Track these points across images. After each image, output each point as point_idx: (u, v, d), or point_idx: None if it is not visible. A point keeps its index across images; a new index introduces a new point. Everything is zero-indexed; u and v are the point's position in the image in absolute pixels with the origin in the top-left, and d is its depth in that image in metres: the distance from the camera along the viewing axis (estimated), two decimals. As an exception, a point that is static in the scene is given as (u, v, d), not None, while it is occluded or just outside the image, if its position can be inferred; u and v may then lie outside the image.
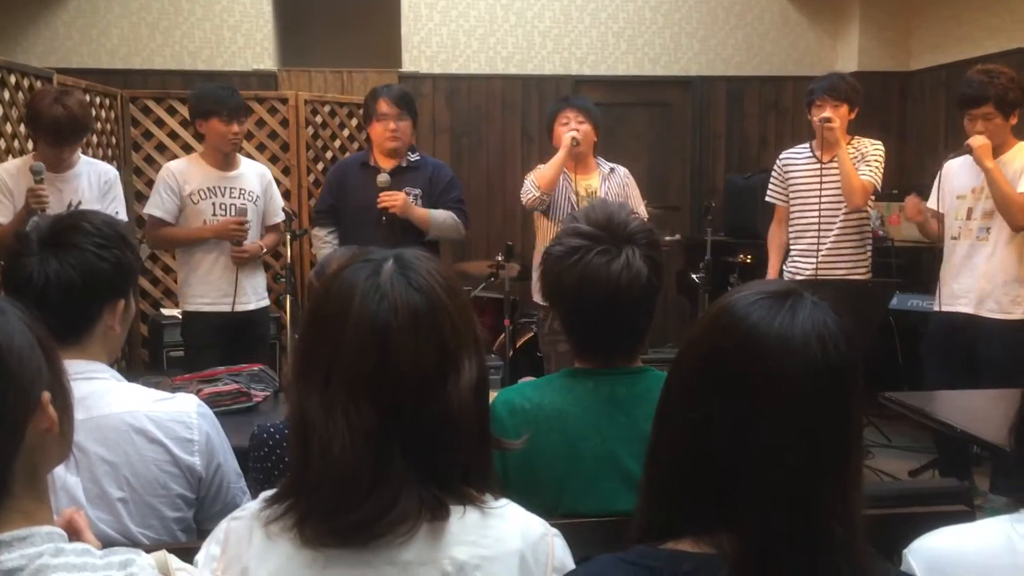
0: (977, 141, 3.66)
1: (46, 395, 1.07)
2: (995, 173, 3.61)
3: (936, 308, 3.97)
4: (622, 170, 4.29)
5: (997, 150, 3.69)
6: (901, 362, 4.85)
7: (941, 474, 4.07)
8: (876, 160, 4.06)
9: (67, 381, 1.13)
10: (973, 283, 3.78)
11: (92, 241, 1.62)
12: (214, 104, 3.79)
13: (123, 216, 3.82)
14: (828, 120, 3.98)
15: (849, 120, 4.10)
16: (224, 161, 3.89)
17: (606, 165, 4.27)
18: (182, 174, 3.87)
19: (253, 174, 4.00)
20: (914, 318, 4.94)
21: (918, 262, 5.47)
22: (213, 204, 3.86)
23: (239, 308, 3.91)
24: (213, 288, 3.90)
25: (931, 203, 4.02)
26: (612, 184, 4.22)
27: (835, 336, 1.02)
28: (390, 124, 3.89)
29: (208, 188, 3.85)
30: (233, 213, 3.86)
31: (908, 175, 6.46)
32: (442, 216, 3.95)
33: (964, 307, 3.82)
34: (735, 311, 1.05)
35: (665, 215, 5.82)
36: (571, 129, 4.09)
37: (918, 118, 6.69)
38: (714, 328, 1.07)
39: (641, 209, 4.27)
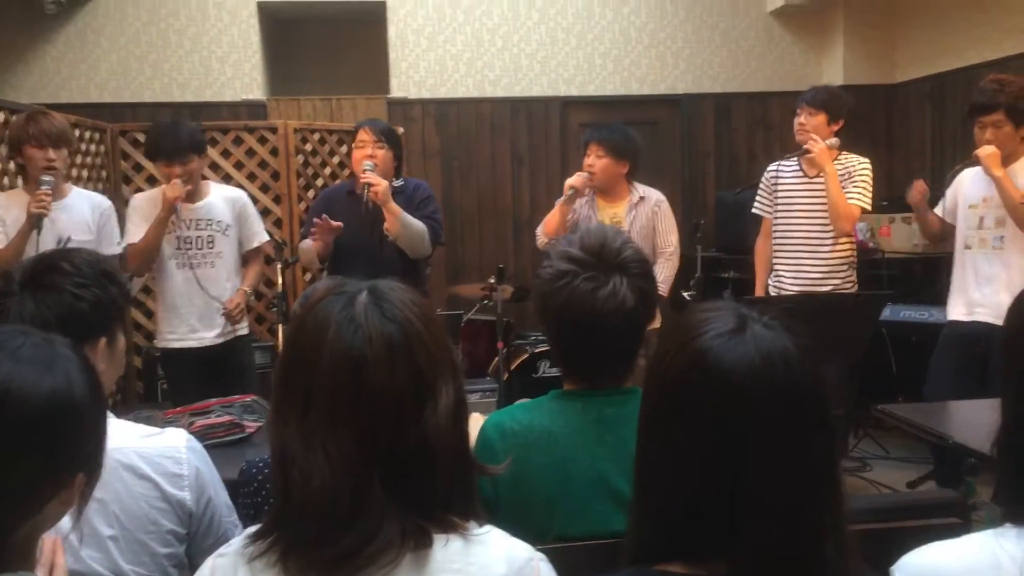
0: (985, 151, 3.64)
1: (80, 478, 1.09)
2: (1004, 182, 3.59)
3: (949, 318, 3.93)
4: (654, 198, 4.20)
5: (1007, 159, 3.66)
6: (896, 373, 4.86)
7: (938, 484, 4.06)
8: (864, 180, 4.04)
9: (103, 454, 1.16)
10: (994, 295, 3.71)
11: (71, 281, 1.62)
12: (154, 148, 3.78)
13: (119, 246, 3.82)
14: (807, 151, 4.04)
15: (833, 131, 4.09)
16: (186, 194, 3.78)
17: (637, 193, 4.19)
18: (152, 205, 3.82)
19: (222, 202, 3.93)
20: (907, 329, 4.95)
21: (910, 273, 5.48)
22: (178, 239, 3.82)
23: (211, 343, 3.88)
24: (182, 323, 3.88)
25: (938, 210, 4.02)
26: (639, 214, 4.15)
27: (793, 356, 1.03)
28: (367, 150, 3.84)
29: (171, 221, 3.78)
30: (199, 246, 3.84)
31: (896, 186, 6.49)
32: (412, 221, 3.82)
33: (984, 317, 3.74)
34: (692, 345, 1.05)
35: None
36: (590, 164, 4.11)
37: (904, 129, 6.74)
38: (672, 363, 1.08)
39: (671, 239, 4.19)
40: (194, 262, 3.84)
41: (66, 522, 1.17)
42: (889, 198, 5.92)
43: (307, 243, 3.87)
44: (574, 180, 4.10)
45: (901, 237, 5.59)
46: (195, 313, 3.87)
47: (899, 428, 3.62)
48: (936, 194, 4.08)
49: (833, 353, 3.64)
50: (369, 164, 3.78)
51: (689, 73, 6.92)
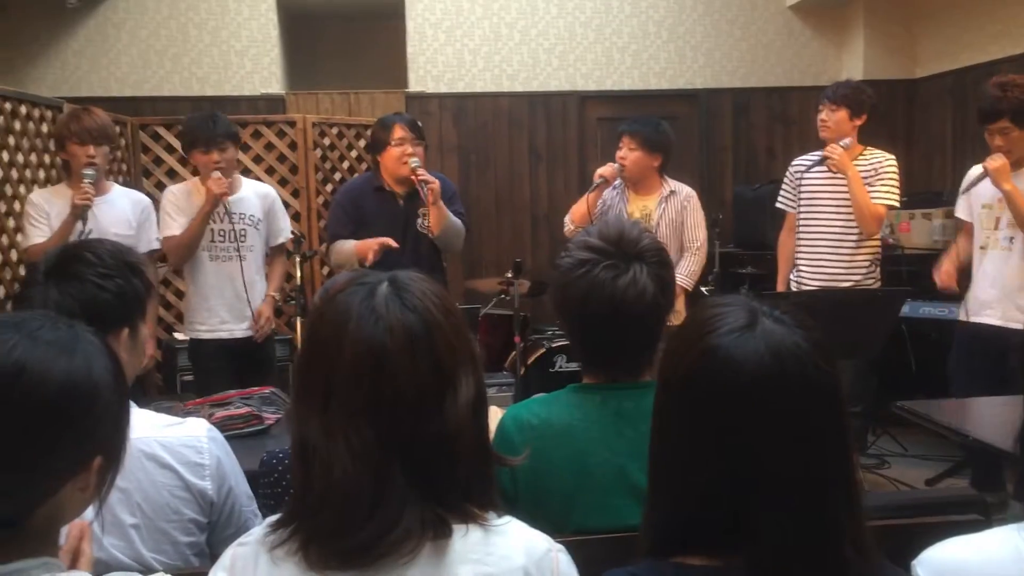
0: (994, 163, 3.58)
1: (98, 460, 1.09)
2: (1014, 195, 3.53)
3: (963, 318, 3.89)
4: (684, 193, 4.23)
5: (1018, 163, 3.60)
6: (915, 370, 4.82)
7: (974, 484, 3.98)
8: (891, 179, 4.00)
9: (126, 439, 1.16)
10: (999, 294, 3.69)
11: (94, 271, 1.64)
12: (192, 137, 3.84)
13: (156, 241, 3.91)
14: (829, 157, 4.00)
15: (856, 127, 4.05)
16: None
17: (668, 187, 4.21)
18: (187, 198, 3.89)
19: (254, 196, 4.00)
20: (927, 326, 4.92)
21: (929, 269, 5.43)
22: (211, 231, 3.85)
23: (241, 335, 3.94)
24: (212, 315, 3.92)
25: (957, 213, 3.99)
26: (669, 207, 4.17)
27: (804, 351, 1.03)
28: (407, 148, 3.81)
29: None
30: (232, 239, 3.87)
31: (916, 182, 6.45)
32: (454, 219, 3.86)
33: (990, 318, 3.72)
34: (703, 341, 1.05)
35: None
36: (622, 156, 4.12)
37: (925, 125, 6.68)
38: (684, 359, 1.08)
39: (699, 234, 4.20)
40: (227, 255, 3.89)
41: (88, 510, 1.18)
42: (909, 194, 5.88)
43: (348, 246, 3.82)
44: (604, 170, 4.13)
45: (921, 233, 5.55)
46: (225, 305, 3.91)
47: (918, 425, 3.60)
48: (955, 188, 4.04)
49: (852, 349, 3.62)
50: (416, 161, 3.77)
51: (708, 68, 6.89)
